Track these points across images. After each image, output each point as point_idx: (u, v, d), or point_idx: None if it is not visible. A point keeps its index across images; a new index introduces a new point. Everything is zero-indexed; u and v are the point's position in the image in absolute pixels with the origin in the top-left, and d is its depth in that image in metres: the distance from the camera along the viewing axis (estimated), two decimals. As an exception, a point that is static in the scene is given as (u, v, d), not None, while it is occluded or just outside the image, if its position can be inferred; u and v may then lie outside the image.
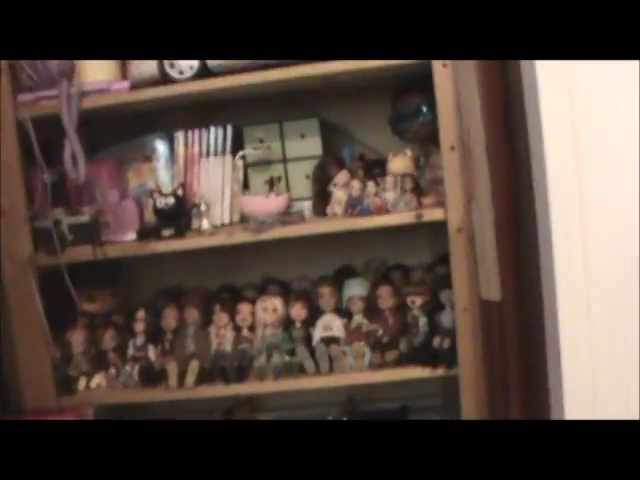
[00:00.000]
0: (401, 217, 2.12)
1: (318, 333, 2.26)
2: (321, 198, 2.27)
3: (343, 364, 2.20)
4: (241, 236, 2.17)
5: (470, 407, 2.10)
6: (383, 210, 2.13)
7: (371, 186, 2.16)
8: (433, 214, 2.09)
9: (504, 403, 1.98)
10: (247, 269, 2.57)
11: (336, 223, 2.16)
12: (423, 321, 2.24)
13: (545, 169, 1.64)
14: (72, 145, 2.18)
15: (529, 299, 1.87)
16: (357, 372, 2.19)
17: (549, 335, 1.74)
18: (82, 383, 2.31)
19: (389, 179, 2.17)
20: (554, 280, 1.65)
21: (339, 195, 2.22)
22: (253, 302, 2.33)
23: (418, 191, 2.17)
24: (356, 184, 2.18)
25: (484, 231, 1.93)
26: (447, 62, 2.01)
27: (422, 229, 2.23)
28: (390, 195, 2.15)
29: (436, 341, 2.18)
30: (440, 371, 2.14)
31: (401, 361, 2.18)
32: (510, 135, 1.88)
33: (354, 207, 2.17)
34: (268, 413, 2.59)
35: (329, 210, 2.24)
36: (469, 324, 2.07)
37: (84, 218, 2.25)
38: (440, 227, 2.09)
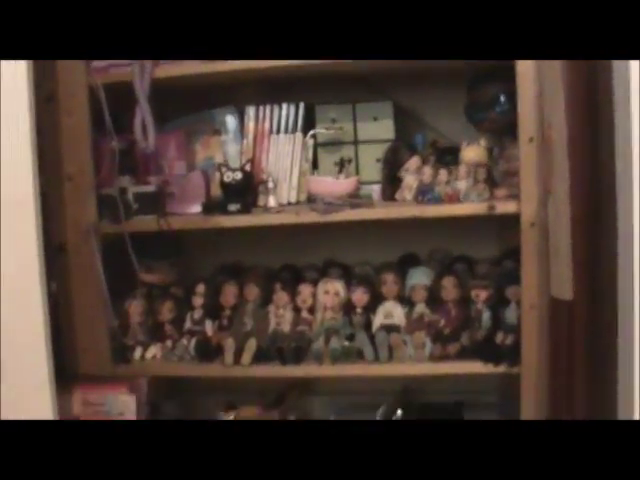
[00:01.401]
0: (473, 208, 2.06)
1: (378, 320, 2.22)
2: (390, 183, 2.22)
3: (402, 353, 2.16)
4: (309, 216, 2.14)
5: (530, 408, 2.04)
6: (455, 199, 2.08)
7: (443, 174, 2.11)
8: (506, 207, 2.03)
9: (567, 406, 1.92)
10: (309, 250, 2.54)
11: (405, 209, 2.12)
12: (486, 316, 2.18)
13: (631, 170, 1.57)
14: (143, 114, 2.17)
15: (602, 300, 1.80)
16: (416, 363, 2.15)
17: (622, 339, 1.68)
18: (137, 353, 2.31)
19: (462, 168, 2.11)
20: (633, 282, 1.59)
21: (410, 181, 2.17)
22: (314, 284, 2.29)
23: (491, 182, 2.12)
24: (428, 171, 2.14)
25: (559, 227, 1.87)
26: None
27: (489, 222, 2.18)
28: (462, 184, 2.10)
29: (499, 337, 2.13)
30: (502, 368, 2.09)
31: (462, 355, 2.14)
32: (594, 132, 1.81)
33: (425, 194, 2.12)
34: (320, 397, 2.56)
35: (398, 196, 2.19)
36: (535, 322, 2.01)
37: (150, 188, 2.24)
38: (509, 221, 2.03)
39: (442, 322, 2.19)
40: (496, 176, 2.15)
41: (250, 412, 2.39)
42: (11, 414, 1.86)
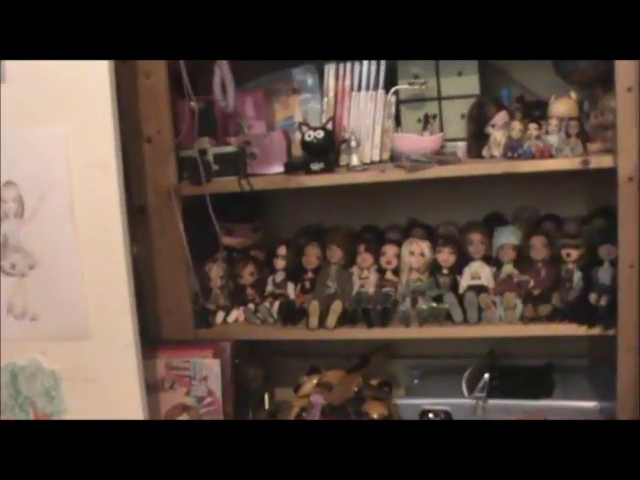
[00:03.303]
0: (566, 163, 1.97)
1: (465, 281, 2.16)
2: (477, 139, 2.15)
3: (492, 315, 2.09)
4: (394, 174, 2.08)
5: (628, 371, 1.96)
6: (547, 154, 1.99)
7: (533, 129, 2.03)
8: (600, 161, 1.94)
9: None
10: (391, 211, 2.48)
11: (495, 166, 2.04)
12: (578, 276, 2.10)
13: None
14: (222, 73, 2.12)
15: None
16: (507, 324, 2.08)
17: None
18: (220, 317, 2.29)
19: (553, 122, 2.02)
20: None
21: (498, 136, 2.09)
22: (398, 244, 2.24)
23: (583, 136, 2.02)
24: (517, 125, 2.05)
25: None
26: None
27: (578, 178, 2.10)
28: (553, 139, 2.01)
29: (592, 298, 2.04)
30: (597, 330, 2.01)
31: (554, 316, 2.06)
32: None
33: (514, 150, 2.03)
34: (404, 360, 2.52)
35: (485, 152, 2.12)
36: (635, 282, 1.92)
37: (230, 148, 2.19)
38: (600, 176, 1.95)
39: (532, 283, 2.12)
40: (588, 130, 2.05)
41: (333, 375, 2.35)
42: (97, 378, 1.88)
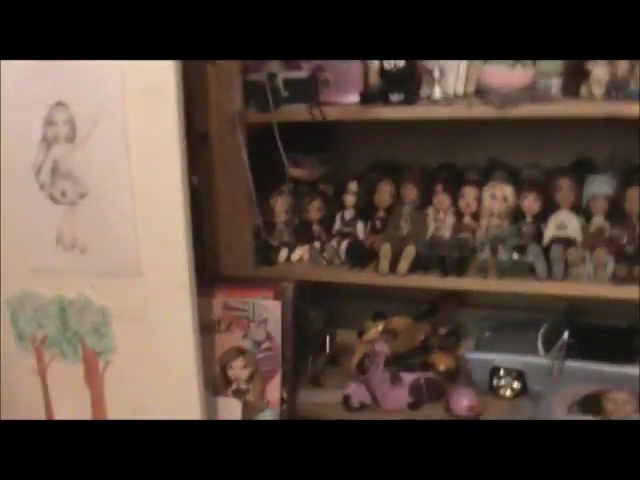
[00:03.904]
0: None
1: (550, 231, 1.99)
2: (574, 76, 1.94)
3: (580, 272, 1.91)
4: (482, 110, 1.89)
5: None
6: (657, 97, 1.78)
7: (642, 67, 1.82)
8: None
9: None
10: (470, 148, 2.29)
11: (595, 107, 1.84)
12: (678, 232, 1.90)
13: None
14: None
15: None
16: (595, 283, 1.90)
17: None
18: (283, 254, 2.17)
19: (666, 60, 1.81)
20: None
21: (599, 74, 1.87)
22: (479, 187, 2.07)
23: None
24: (622, 63, 1.84)
25: None
26: None
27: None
28: (666, 79, 1.80)
29: (692, 258, 1.85)
30: (694, 295, 1.82)
31: (648, 277, 1.87)
32: None
33: (618, 90, 1.83)
34: (475, 310, 2.37)
35: (584, 91, 1.91)
36: None
37: (302, 74, 2.03)
38: None
39: (625, 238, 1.93)
40: None
41: (399, 322, 2.25)
42: (149, 317, 1.78)
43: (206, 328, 1.95)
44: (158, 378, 1.80)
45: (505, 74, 1.94)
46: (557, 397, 1.87)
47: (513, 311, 2.31)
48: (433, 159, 2.31)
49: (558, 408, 1.81)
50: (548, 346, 2.09)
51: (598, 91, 1.88)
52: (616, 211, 1.98)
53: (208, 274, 2.05)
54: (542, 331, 2.13)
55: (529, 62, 1.98)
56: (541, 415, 1.81)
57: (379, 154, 2.34)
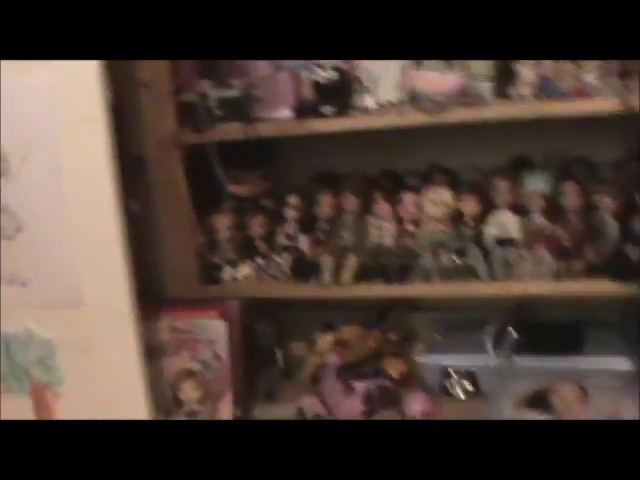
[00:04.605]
0: (604, 104, 1.80)
1: (491, 232, 2.01)
2: (504, 77, 1.97)
3: (521, 270, 1.95)
4: (413, 117, 1.92)
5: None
6: (584, 95, 1.82)
7: (569, 66, 1.85)
8: (641, 102, 1.76)
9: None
10: (409, 154, 2.31)
11: (524, 108, 1.87)
12: (613, 226, 1.94)
13: None
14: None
15: None
16: (537, 281, 1.94)
17: None
18: (227, 273, 2.16)
19: (590, 59, 1.85)
20: None
21: (527, 75, 1.91)
22: (418, 192, 2.08)
23: (624, 73, 1.84)
24: (549, 62, 1.87)
25: None
26: None
27: (612, 120, 1.90)
28: (590, 77, 1.84)
29: (629, 250, 1.89)
30: (635, 286, 1.85)
31: (588, 271, 1.92)
32: None
33: (546, 89, 1.86)
34: (424, 314, 2.38)
35: (514, 91, 1.94)
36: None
37: (234, 92, 2.04)
38: (635, 118, 1.78)
39: (563, 234, 1.96)
40: (628, 65, 1.86)
41: (349, 332, 2.26)
42: (94, 346, 1.78)
43: (154, 352, 1.95)
44: (108, 406, 1.79)
45: (436, 80, 1.96)
46: (506, 395, 1.89)
47: (463, 312, 2.32)
48: (374, 166, 2.33)
49: (506, 406, 1.84)
50: (497, 345, 2.12)
51: (527, 91, 1.91)
52: (554, 207, 2.01)
53: (153, 297, 2.04)
54: (490, 331, 2.15)
55: (460, 67, 2.01)
56: (491, 414, 1.82)
57: (318, 166, 2.34)
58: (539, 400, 1.85)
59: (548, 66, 1.87)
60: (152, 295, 2.05)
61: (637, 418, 1.72)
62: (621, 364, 1.99)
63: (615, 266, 1.89)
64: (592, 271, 1.91)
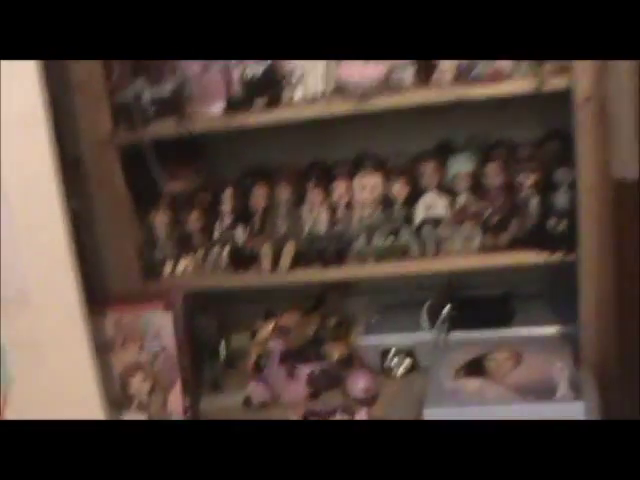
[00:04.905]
0: (520, 85, 1.90)
1: (420, 213, 2.10)
2: (425, 65, 2.05)
3: (450, 247, 2.04)
4: (340, 107, 1.99)
5: (590, 297, 1.92)
6: (499, 78, 1.91)
7: (485, 50, 1.93)
8: (556, 82, 1.86)
9: (635, 299, 1.80)
10: (337, 144, 2.37)
11: (445, 92, 1.95)
12: (535, 201, 2.04)
13: None
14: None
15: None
16: (465, 256, 2.03)
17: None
18: (168, 267, 2.20)
19: (504, 42, 1.93)
20: None
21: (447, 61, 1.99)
22: (349, 179, 2.16)
23: (537, 55, 1.93)
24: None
25: (621, 100, 1.72)
26: None
27: (530, 101, 1.99)
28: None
29: (551, 223, 1.99)
30: (557, 257, 1.96)
31: (513, 245, 2.01)
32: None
33: (464, 74, 1.94)
34: (361, 297, 2.45)
35: (435, 77, 2.01)
36: (594, 205, 1.86)
37: (167, 89, 2.08)
38: (554, 98, 1.87)
39: (488, 211, 2.06)
40: (541, 49, 1.97)
41: (289, 318, 2.31)
42: (43, 344, 1.78)
43: (101, 347, 1.97)
44: (60, 404, 1.79)
45: (360, 69, 2.03)
46: (444, 366, 1.97)
47: (398, 293, 2.40)
48: (305, 157, 2.38)
49: (445, 376, 1.91)
50: (432, 321, 2.20)
51: (448, 76, 1.99)
52: (478, 186, 2.10)
53: (97, 294, 2.07)
54: (425, 308, 2.24)
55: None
56: (431, 387, 1.90)
57: (251, 158, 2.39)
58: (476, 367, 1.94)
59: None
60: (97, 292, 2.08)
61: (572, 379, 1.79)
62: (549, 330, 2.11)
63: (538, 238, 1.99)
64: (517, 244, 2.01)
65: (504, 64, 1.92)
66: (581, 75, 1.81)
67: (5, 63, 1.65)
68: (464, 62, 1.95)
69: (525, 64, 1.91)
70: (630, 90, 1.71)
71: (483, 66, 1.93)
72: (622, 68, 1.70)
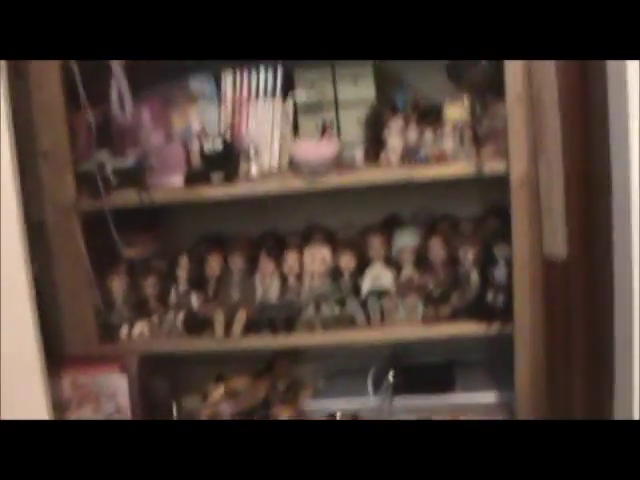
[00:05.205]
0: (461, 168, 2.04)
1: (367, 284, 2.21)
2: (374, 145, 2.18)
3: (394, 317, 2.14)
4: (293, 183, 2.11)
5: (525, 367, 2.03)
6: (443, 160, 2.05)
7: (428, 134, 2.08)
8: (494, 166, 2.01)
9: (563, 369, 1.92)
10: (290, 216, 2.48)
11: (393, 172, 2.09)
12: (475, 275, 2.16)
13: (627, 125, 1.55)
14: (119, 85, 2.10)
15: (599, 260, 1.79)
16: (409, 326, 2.14)
17: (619, 298, 1.67)
18: (124, 330, 2.26)
19: (447, 127, 2.08)
20: (630, 243, 1.57)
21: (394, 143, 2.12)
22: (300, 250, 2.27)
23: (477, 140, 2.08)
24: (412, 132, 2.10)
25: (552, 185, 1.86)
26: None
27: (473, 180, 2.14)
28: (448, 144, 2.07)
29: (489, 296, 2.11)
30: (494, 328, 2.08)
31: (454, 316, 2.13)
32: (586, 89, 1.78)
33: (411, 155, 2.08)
34: (309, 364, 2.54)
35: (383, 157, 2.14)
36: (528, 281, 1.99)
37: (129, 161, 2.18)
38: (493, 178, 2.01)
39: (431, 284, 2.18)
40: (481, 134, 2.11)
41: (239, 382, 2.39)
42: (4, 401, 1.82)
43: (58, 407, 2.01)
44: None
45: (313, 147, 2.16)
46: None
47: (345, 360, 2.48)
48: (257, 227, 2.49)
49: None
50: (377, 387, 2.29)
51: (394, 157, 2.12)
52: (422, 260, 2.22)
53: (55, 355, 2.12)
54: (370, 374, 2.32)
55: (335, 135, 2.21)
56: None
57: (206, 228, 2.49)
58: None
59: (412, 135, 2.09)
60: (54, 353, 2.13)
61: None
62: (487, 397, 2.22)
63: (477, 310, 2.11)
64: (458, 315, 2.13)
65: (448, 147, 2.05)
66: (516, 161, 1.95)
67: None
68: (410, 145, 2.08)
69: (467, 147, 2.04)
70: (559, 175, 1.83)
71: (428, 149, 2.06)
72: (553, 155, 1.83)
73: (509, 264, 2.05)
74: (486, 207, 2.36)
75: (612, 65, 1.63)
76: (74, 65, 2.07)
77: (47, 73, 2.09)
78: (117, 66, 2.08)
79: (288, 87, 2.26)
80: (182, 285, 2.31)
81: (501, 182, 2.00)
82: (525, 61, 1.90)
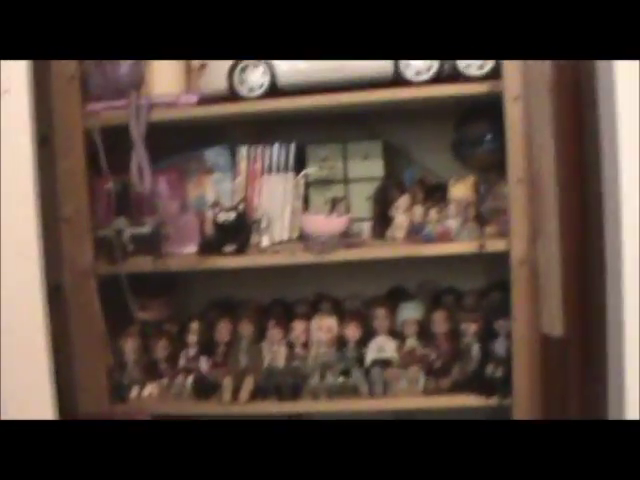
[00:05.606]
0: (464, 246, 2.12)
1: (371, 354, 2.27)
2: (381, 221, 2.27)
3: (397, 388, 2.20)
4: (303, 256, 2.18)
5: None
6: (447, 238, 2.12)
7: (434, 213, 2.16)
8: (496, 244, 2.09)
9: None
10: (299, 285, 2.57)
11: (398, 249, 2.17)
12: (476, 348, 2.23)
13: (619, 209, 1.64)
14: (139, 156, 2.19)
15: (593, 336, 1.86)
16: (410, 397, 2.19)
17: (612, 379, 1.73)
18: (134, 392, 2.32)
19: (452, 206, 2.16)
20: (623, 324, 1.65)
21: (401, 220, 2.21)
22: (307, 319, 2.34)
23: (480, 219, 2.16)
24: (418, 210, 2.19)
25: (549, 265, 1.93)
26: (519, 95, 1.99)
27: (477, 256, 2.22)
28: (453, 223, 2.15)
29: (489, 369, 2.18)
30: (493, 401, 2.13)
31: (454, 388, 2.18)
32: (583, 172, 1.87)
33: (416, 233, 2.16)
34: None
35: (389, 233, 2.23)
36: (526, 356, 2.06)
37: (146, 229, 2.26)
38: (497, 255, 2.09)
39: (433, 356, 2.24)
40: (484, 213, 2.20)
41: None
42: None
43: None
44: None
45: (323, 222, 2.23)
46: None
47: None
48: (267, 294, 2.58)
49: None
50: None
51: (400, 233, 2.20)
52: (425, 332, 2.29)
53: (67, 414, 2.17)
54: (371, 444, 2.37)
55: (344, 210, 2.30)
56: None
57: (217, 294, 2.58)
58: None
59: (417, 213, 2.18)
60: (66, 412, 2.19)
61: None
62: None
63: (477, 383, 2.17)
64: (458, 387, 2.18)
65: (452, 225, 2.14)
66: (517, 241, 2.03)
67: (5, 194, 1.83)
68: (415, 222, 2.17)
69: (470, 226, 2.13)
70: (557, 256, 1.91)
71: (432, 227, 2.14)
72: (549, 236, 1.91)
73: (509, 338, 2.12)
74: (489, 281, 2.44)
75: (607, 140, 1.71)
76: (97, 135, 2.16)
77: (72, 141, 2.19)
78: (138, 139, 2.17)
79: (300, 163, 2.35)
80: (192, 349, 2.36)
81: (504, 257, 2.07)
82: (526, 144, 1.99)
